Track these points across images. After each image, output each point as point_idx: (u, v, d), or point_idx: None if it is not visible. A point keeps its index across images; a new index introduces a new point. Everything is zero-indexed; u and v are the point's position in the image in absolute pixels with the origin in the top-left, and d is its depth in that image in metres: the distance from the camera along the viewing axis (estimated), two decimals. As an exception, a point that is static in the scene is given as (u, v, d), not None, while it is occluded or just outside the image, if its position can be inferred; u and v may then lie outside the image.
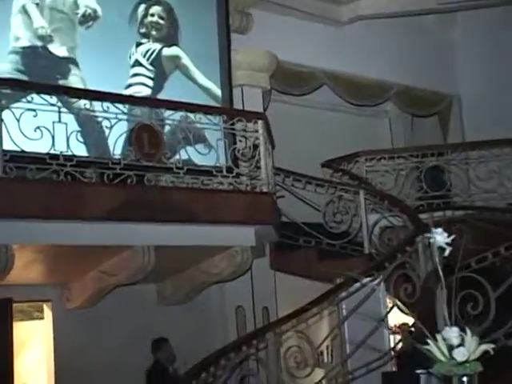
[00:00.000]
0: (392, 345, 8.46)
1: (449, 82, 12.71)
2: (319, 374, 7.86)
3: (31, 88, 7.15)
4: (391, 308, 7.95)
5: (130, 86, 8.31)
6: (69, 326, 8.87)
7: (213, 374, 6.82)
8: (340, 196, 9.57)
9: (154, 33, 8.18)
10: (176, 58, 8.45)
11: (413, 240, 8.10)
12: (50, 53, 7.67)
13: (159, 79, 8.25)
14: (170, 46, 8.38)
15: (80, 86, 7.89)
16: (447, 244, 3.53)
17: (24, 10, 7.45)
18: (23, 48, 7.57)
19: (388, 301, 8.01)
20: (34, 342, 9.94)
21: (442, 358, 3.49)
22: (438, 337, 3.49)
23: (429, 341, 3.48)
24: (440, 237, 3.55)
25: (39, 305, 9.35)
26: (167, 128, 8.00)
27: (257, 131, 8.36)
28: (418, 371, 6.54)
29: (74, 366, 8.60)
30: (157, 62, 8.20)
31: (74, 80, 7.86)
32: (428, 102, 12.61)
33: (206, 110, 8.17)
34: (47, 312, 9.20)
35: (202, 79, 8.81)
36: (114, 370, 8.62)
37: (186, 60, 8.51)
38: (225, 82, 9.18)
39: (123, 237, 7.51)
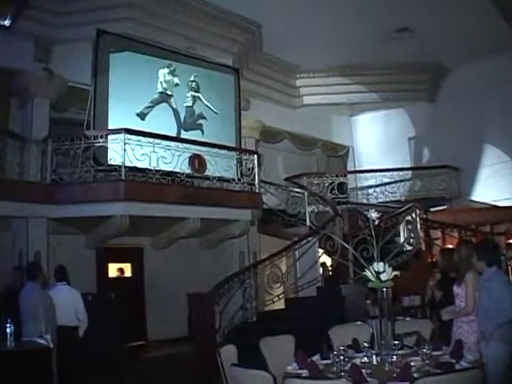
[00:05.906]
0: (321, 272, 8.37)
1: (348, 140, 12.60)
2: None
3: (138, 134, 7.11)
4: (322, 254, 7.85)
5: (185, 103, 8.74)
6: (154, 259, 8.70)
7: (230, 285, 6.75)
8: (293, 195, 9.40)
9: (192, 90, 8.70)
10: (198, 97, 8.75)
11: (333, 219, 8.02)
12: (167, 94, 8.35)
13: (194, 102, 8.69)
14: (197, 92, 8.72)
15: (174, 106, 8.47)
16: (376, 217, 3.36)
17: (162, 93, 8.28)
18: (160, 93, 8.28)
19: (320, 250, 7.86)
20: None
21: (373, 279, 3.30)
22: (371, 267, 3.31)
23: (366, 269, 3.31)
24: (373, 214, 3.37)
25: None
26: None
27: (253, 160, 8.25)
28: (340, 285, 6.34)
29: (156, 280, 8.54)
30: (194, 98, 8.70)
31: (173, 104, 8.43)
32: (337, 149, 12.49)
33: (229, 148, 8.15)
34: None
35: (207, 103, 8.81)
36: (178, 281, 8.37)
37: (201, 97, 8.75)
38: (237, 136, 9.05)
39: (184, 213, 7.40)
